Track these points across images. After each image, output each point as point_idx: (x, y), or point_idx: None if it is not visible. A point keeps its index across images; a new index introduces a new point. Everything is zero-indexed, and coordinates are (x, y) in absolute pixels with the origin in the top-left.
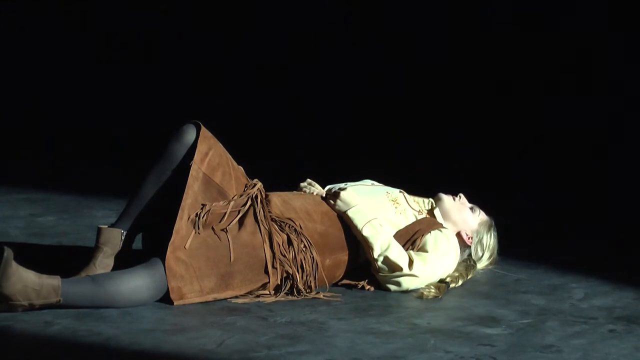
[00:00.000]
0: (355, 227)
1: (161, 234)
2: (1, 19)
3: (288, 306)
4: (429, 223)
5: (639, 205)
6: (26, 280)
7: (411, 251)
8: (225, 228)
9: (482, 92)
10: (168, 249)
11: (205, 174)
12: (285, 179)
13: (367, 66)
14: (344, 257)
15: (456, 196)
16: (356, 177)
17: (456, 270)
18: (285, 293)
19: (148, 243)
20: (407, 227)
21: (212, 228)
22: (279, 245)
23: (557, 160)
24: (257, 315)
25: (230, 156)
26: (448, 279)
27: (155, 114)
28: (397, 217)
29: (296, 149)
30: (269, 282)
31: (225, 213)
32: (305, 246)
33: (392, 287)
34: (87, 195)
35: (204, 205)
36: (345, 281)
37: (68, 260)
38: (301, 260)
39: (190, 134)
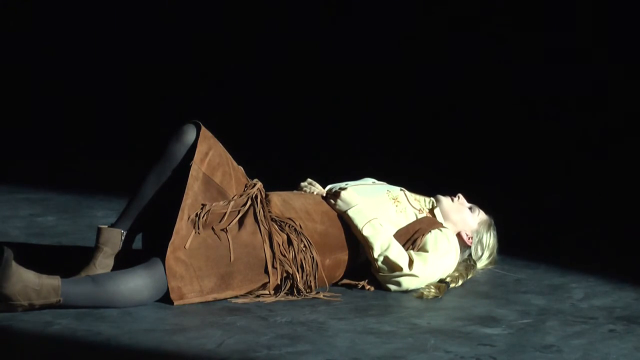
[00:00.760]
0: (356, 226)
1: (161, 234)
2: (1, 19)
3: (288, 306)
4: (430, 222)
5: (639, 205)
6: (26, 281)
7: (411, 251)
8: (225, 228)
9: (482, 92)
10: (168, 249)
11: (205, 174)
12: (285, 179)
13: (367, 66)
14: (344, 256)
15: (454, 196)
16: (356, 177)
17: (456, 270)
18: (285, 293)
19: (148, 243)
20: (407, 226)
21: (212, 228)
22: (279, 245)
23: (557, 160)
24: (257, 315)
25: (230, 156)
26: (448, 279)
27: (155, 114)
28: (397, 215)
29: (296, 149)
30: (269, 282)
31: (225, 213)
32: (305, 246)
33: (392, 287)
34: (87, 195)
35: (204, 205)
36: (345, 281)
37: (68, 260)
38: (301, 260)
39: (190, 134)
